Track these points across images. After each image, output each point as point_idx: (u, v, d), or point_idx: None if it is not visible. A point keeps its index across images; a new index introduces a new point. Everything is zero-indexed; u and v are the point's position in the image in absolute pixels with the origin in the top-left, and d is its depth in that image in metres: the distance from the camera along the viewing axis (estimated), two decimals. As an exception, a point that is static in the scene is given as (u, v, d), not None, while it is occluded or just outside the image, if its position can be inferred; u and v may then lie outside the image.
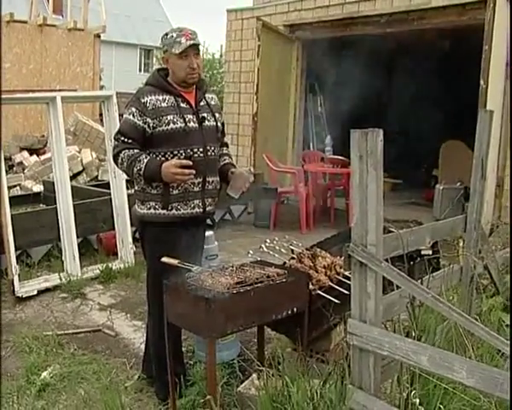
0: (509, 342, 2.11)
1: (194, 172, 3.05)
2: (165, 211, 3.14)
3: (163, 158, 3.10)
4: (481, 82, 7.11)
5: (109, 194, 6.13)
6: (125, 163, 3.09)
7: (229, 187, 3.29)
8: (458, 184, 8.32)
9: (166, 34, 3.19)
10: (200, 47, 3.23)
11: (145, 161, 3.05)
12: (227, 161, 3.45)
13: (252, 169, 3.44)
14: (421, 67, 11.65)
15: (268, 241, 3.68)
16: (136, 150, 3.10)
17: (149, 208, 3.18)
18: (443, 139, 10.24)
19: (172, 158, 3.09)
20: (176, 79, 3.19)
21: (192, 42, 3.10)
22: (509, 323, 3.23)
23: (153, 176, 3.06)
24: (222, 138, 3.49)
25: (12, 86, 11.31)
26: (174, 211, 3.15)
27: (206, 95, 3.33)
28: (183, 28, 3.18)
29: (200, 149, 3.16)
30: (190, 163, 3.05)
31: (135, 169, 3.06)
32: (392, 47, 10.04)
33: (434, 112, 11.62)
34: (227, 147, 3.57)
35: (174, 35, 3.13)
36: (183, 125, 3.12)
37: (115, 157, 3.15)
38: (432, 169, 11.08)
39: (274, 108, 9.66)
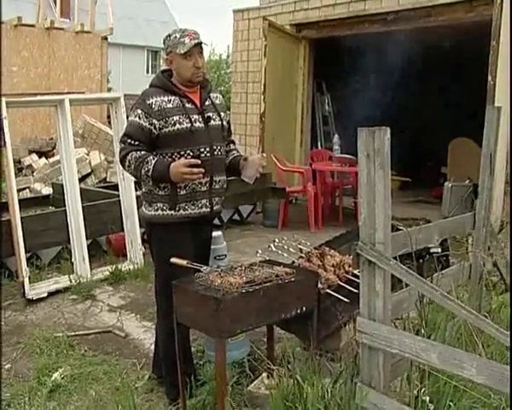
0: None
1: (203, 170, 3.05)
2: (172, 212, 3.15)
3: (170, 159, 3.11)
4: (489, 78, 7.09)
5: (118, 195, 6.15)
6: (133, 165, 3.09)
7: (243, 174, 3.29)
8: (467, 181, 8.30)
9: (169, 35, 3.20)
10: (205, 47, 3.24)
11: (153, 162, 3.06)
12: (236, 154, 3.46)
13: (264, 155, 3.43)
14: (428, 63, 11.62)
15: (276, 240, 3.69)
16: (143, 152, 3.10)
17: (157, 210, 3.19)
18: (451, 136, 10.21)
19: (179, 158, 3.09)
20: (181, 80, 3.20)
21: (196, 41, 3.12)
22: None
23: (161, 177, 3.07)
24: (228, 136, 3.50)
25: (20, 89, 11.38)
26: (182, 211, 3.16)
27: (211, 94, 3.34)
28: (185, 29, 3.20)
29: (207, 149, 3.17)
30: (199, 162, 3.05)
31: (143, 171, 3.07)
32: (399, 44, 10.01)
33: (442, 109, 11.59)
34: (234, 144, 3.57)
35: (177, 36, 3.15)
36: (189, 125, 3.12)
37: (122, 160, 3.15)
38: (440, 167, 11.05)
39: (281, 108, 9.66)
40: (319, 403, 2.53)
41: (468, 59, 9.88)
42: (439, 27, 8.65)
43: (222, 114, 3.34)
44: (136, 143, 3.12)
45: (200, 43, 3.15)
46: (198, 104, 3.22)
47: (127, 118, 3.43)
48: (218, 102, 3.36)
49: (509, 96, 6.21)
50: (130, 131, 3.16)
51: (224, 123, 3.35)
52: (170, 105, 3.13)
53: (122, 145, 3.17)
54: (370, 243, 2.40)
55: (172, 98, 3.16)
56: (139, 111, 3.13)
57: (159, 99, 3.13)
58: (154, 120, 3.10)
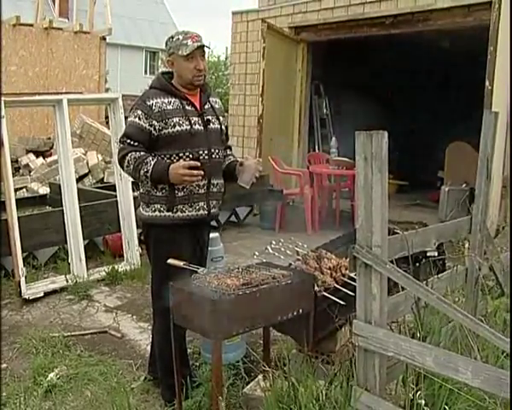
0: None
1: (202, 172, 3.06)
2: (170, 213, 3.16)
3: (168, 160, 3.11)
4: (487, 83, 7.11)
5: (115, 196, 6.15)
6: (132, 165, 3.10)
7: (239, 178, 3.29)
8: (464, 185, 8.30)
9: (172, 37, 3.20)
10: (207, 50, 3.24)
11: (152, 163, 3.06)
12: (232, 159, 3.47)
13: (260, 159, 3.45)
14: (426, 67, 11.65)
15: (273, 243, 3.69)
16: (142, 153, 3.10)
17: (154, 211, 3.19)
18: (449, 140, 10.21)
19: (178, 160, 3.10)
20: (181, 82, 3.21)
21: (199, 44, 3.12)
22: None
23: (160, 178, 3.07)
24: (226, 141, 3.50)
25: (18, 89, 11.37)
26: (179, 213, 3.16)
27: (211, 98, 3.35)
28: (188, 31, 3.20)
29: (205, 152, 3.18)
30: (198, 164, 3.06)
31: (142, 171, 3.07)
32: (396, 48, 10.03)
33: (440, 112, 11.61)
34: (230, 150, 3.58)
35: (180, 37, 3.15)
36: (188, 127, 3.13)
37: (121, 160, 3.15)
38: (437, 170, 11.06)
39: (279, 110, 9.67)
40: (314, 405, 2.54)
41: (465, 63, 9.90)
42: (437, 31, 8.67)
43: (221, 118, 3.36)
44: (136, 143, 3.12)
45: (203, 46, 3.16)
46: (198, 107, 3.23)
47: (125, 118, 3.44)
48: (217, 106, 3.38)
49: (509, 101, 6.23)
50: (129, 132, 3.16)
51: (223, 127, 3.37)
52: (170, 107, 3.14)
53: (121, 145, 3.18)
54: (367, 246, 2.40)
55: (172, 100, 3.17)
56: (139, 112, 3.13)
57: (159, 100, 3.14)
58: (154, 122, 3.11)
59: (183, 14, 58.68)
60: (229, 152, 3.54)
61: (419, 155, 12.00)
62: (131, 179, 5.64)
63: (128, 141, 3.14)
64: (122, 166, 3.19)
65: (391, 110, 12.12)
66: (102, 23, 13.50)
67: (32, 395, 3.40)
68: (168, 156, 3.13)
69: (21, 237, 5.11)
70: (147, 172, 3.06)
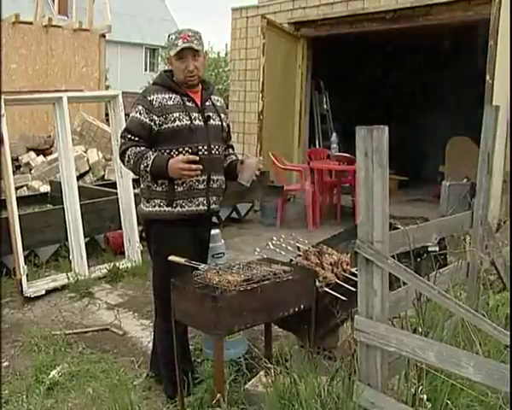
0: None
1: (201, 167, 3.07)
2: (169, 208, 3.16)
3: (168, 155, 3.13)
4: (487, 77, 7.09)
5: (116, 193, 6.15)
6: (132, 160, 3.12)
7: (239, 176, 3.30)
8: (465, 180, 8.30)
9: (169, 36, 3.24)
10: (200, 47, 3.19)
11: (152, 157, 3.08)
12: (234, 158, 3.48)
13: (261, 158, 3.45)
14: (427, 62, 11.64)
15: (274, 239, 3.69)
16: (142, 147, 3.12)
17: (154, 206, 3.20)
18: (449, 135, 10.21)
19: (178, 155, 3.11)
20: (177, 80, 3.22)
21: (186, 45, 3.12)
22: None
23: (160, 172, 3.08)
24: (228, 140, 3.51)
25: (18, 87, 11.34)
26: (179, 208, 3.17)
27: (212, 96, 3.36)
28: (183, 30, 3.21)
29: (205, 147, 3.18)
30: (197, 158, 3.08)
31: (142, 166, 3.09)
32: (397, 43, 10.02)
33: (440, 107, 11.58)
34: (233, 149, 3.59)
35: (173, 37, 3.18)
36: (188, 122, 3.14)
37: (122, 155, 3.18)
38: (438, 166, 11.05)
39: (280, 106, 9.66)
40: (316, 401, 2.54)
41: (466, 57, 9.89)
42: (437, 26, 8.65)
43: (222, 115, 3.36)
44: (137, 138, 3.14)
45: (190, 47, 3.14)
46: (198, 103, 3.24)
47: (125, 115, 3.44)
48: (219, 104, 3.39)
49: (509, 95, 6.22)
50: (130, 127, 3.19)
51: (224, 124, 3.38)
52: (170, 102, 3.16)
53: (122, 140, 3.20)
54: (368, 241, 2.40)
55: (173, 96, 3.19)
56: (140, 107, 3.16)
57: (159, 96, 3.16)
58: (155, 116, 3.12)
59: (183, 10, 58.64)
60: (231, 151, 3.55)
61: (420, 151, 11.97)
62: (132, 176, 5.65)
63: (129, 136, 3.16)
64: (123, 161, 3.21)
65: (391, 104, 12.08)
66: (102, 20, 13.48)
67: (34, 393, 3.40)
68: (168, 151, 3.14)
69: (22, 235, 5.11)
70: (146, 166, 3.08)
